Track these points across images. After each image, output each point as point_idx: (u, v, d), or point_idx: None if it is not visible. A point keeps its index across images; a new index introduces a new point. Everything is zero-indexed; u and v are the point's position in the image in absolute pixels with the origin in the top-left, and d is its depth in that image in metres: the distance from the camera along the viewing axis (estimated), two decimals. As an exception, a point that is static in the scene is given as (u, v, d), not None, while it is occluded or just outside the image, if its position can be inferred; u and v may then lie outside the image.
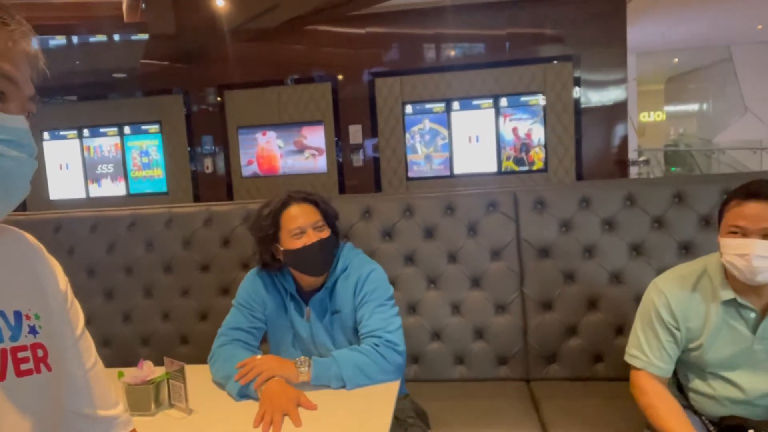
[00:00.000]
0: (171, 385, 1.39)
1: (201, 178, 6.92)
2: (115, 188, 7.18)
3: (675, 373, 1.47)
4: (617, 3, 5.43)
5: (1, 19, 0.61)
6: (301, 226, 1.54)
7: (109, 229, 2.27)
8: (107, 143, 7.18)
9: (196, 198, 6.90)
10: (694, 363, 1.42)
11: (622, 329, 1.94)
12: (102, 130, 7.06)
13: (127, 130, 7.09)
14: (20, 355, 0.65)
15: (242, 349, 1.55)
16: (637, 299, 1.89)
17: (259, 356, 1.48)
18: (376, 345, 1.46)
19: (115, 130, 7.13)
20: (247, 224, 1.83)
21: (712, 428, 1.39)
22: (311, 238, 1.53)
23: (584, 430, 1.65)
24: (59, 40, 6.16)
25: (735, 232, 1.29)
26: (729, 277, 1.36)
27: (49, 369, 0.68)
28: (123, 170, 7.16)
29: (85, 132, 7.05)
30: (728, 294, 1.35)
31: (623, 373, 1.53)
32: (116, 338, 2.21)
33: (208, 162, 6.91)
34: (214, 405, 1.41)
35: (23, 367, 0.65)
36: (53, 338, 0.70)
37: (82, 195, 6.98)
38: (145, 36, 6.02)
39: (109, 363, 2.22)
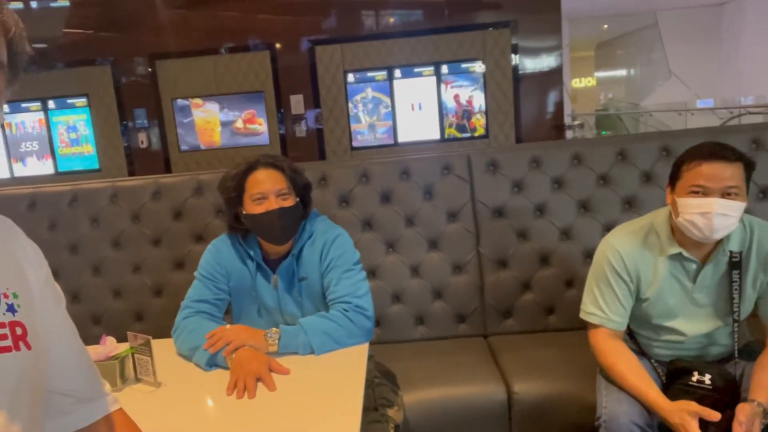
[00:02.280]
0: (137, 359, 1.35)
1: (136, 154, 6.62)
2: (42, 166, 6.77)
3: None
4: (552, -32, 5.53)
5: None
6: (263, 191, 1.51)
7: (48, 206, 2.15)
8: (30, 119, 6.72)
9: (132, 174, 6.61)
10: (642, 314, 1.51)
11: (572, 282, 2.04)
12: (24, 105, 6.61)
13: (51, 104, 6.66)
14: None
15: (208, 321, 1.52)
16: (586, 254, 2.01)
17: (228, 326, 1.46)
18: (345, 311, 1.48)
19: (38, 104, 6.68)
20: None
21: (660, 371, 1.50)
22: (272, 204, 1.51)
23: (543, 378, 1.74)
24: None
25: (696, 192, 1.34)
26: (675, 233, 1.44)
27: (28, 347, 0.66)
28: (49, 147, 6.75)
29: (5, 107, 6.57)
30: (675, 249, 1.43)
31: (574, 323, 1.62)
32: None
33: (142, 136, 6.61)
34: (182, 377, 1.39)
35: (1, 344, 0.63)
36: (33, 317, 0.68)
37: (6, 174, 6.55)
38: (66, 2, 5.63)
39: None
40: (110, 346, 1.34)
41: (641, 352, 1.55)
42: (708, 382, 1.36)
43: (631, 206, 2.05)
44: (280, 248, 1.58)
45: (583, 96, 11.32)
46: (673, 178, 1.42)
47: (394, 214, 2.10)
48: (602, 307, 1.49)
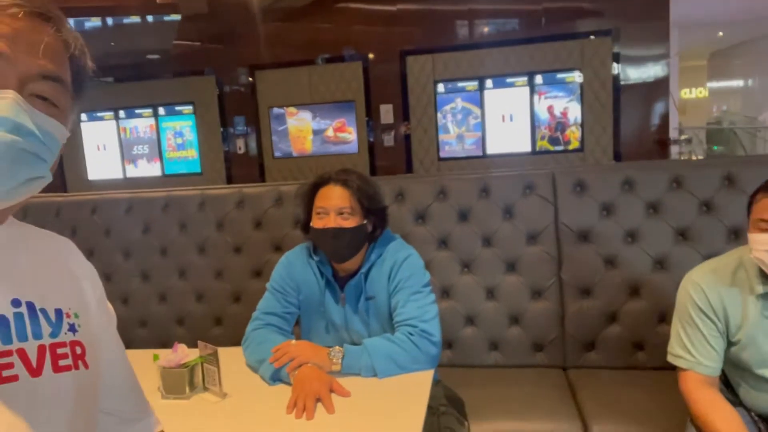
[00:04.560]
0: (205, 368, 1.39)
1: (234, 159, 6.98)
2: (151, 168, 7.31)
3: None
4: (660, -26, 5.19)
5: None
6: (324, 207, 1.52)
7: (144, 211, 2.29)
8: (143, 124, 7.29)
9: (229, 178, 6.97)
10: (734, 359, 1.36)
11: (665, 317, 1.87)
12: (137, 111, 7.17)
13: (161, 111, 7.18)
14: (59, 351, 0.65)
15: (276, 334, 1.54)
16: (683, 286, 1.82)
17: (293, 341, 1.47)
18: (411, 334, 1.44)
19: (150, 111, 7.23)
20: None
21: (762, 426, 1.33)
22: (330, 222, 1.50)
23: (624, 421, 1.60)
24: (94, 23, 6.23)
25: (764, 227, 1.23)
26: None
27: (86, 366, 0.68)
28: (158, 151, 7.27)
29: (121, 113, 7.17)
30: (764, 288, 1.28)
31: (665, 362, 1.47)
32: (152, 318, 2.25)
33: (240, 143, 6.96)
34: (247, 389, 1.41)
35: (61, 363, 0.65)
36: (90, 337, 0.70)
37: (119, 175, 7.13)
38: (177, 17, 6.05)
39: (145, 343, 2.26)
40: (181, 353, 1.38)
41: (739, 403, 1.38)
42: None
43: (738, 237, 1.84)
44: (348, 266, 1.57)
45: (693, 108, 10.54)
46: (748, 214, 1.30)
47: (471, 233, 2.03)
48: (690, 350, 1.34)
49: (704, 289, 1.34)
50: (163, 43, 6.46)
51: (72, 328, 0.68)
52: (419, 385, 1.36)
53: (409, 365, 1.41)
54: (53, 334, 0.65)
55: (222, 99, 6.97)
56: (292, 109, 6.78)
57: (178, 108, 7.07)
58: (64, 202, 2.38)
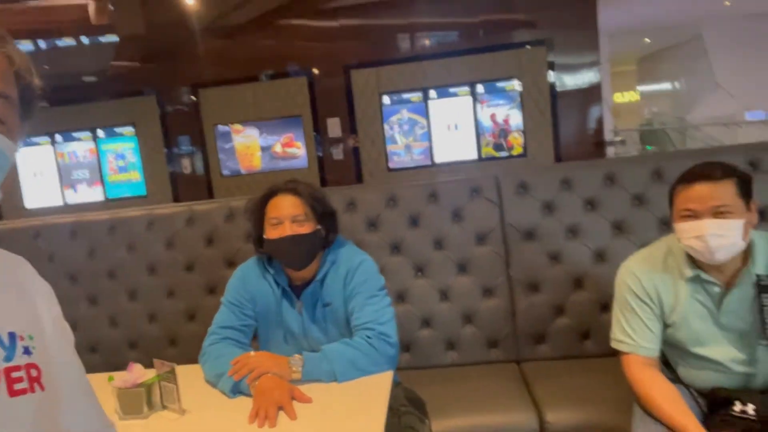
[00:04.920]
0: (162, 386, 1.37)
1: (180, 179, 6.84)
2: (93, 193, 7.06)
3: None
4: (587, -16, 5.47)
5: None
6: (278, 216, 1.53)
7: (89, 234, 2.23)
8: (81, 148, 7.04)
9: (176, 199, 6.81)
10: (671, 340, 1.45)
11: (607, 306, 1.95)
12: (75, 134, 6.94)
13: (101, 133, 6.97)
14: (14, 375, 0.65)
15: (233, 347, 1.54)
16: (622, 276, 1.92)
17: (252, 353, 1.47)
18: (369, 338, 1.46)
19: (88, 134, 7.00)
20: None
21: (701, 400, 1.42)
22: (286, 230, 1.52)
23: (577, 407, 1.68)
24: (26, 45, 6.00)
25: (687, 216, 1.33)
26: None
27: (42, 388, 0.67)
28: (99, 175, 7.04)
29: (58, 137, 6.92)
30: (692, 271, 1.38)
31: (610, 349, 1.55)
32: (103, 343, 2.19)
33: (186, 162, 6.83)
34: (207, 404, 1.41)
35: (17, 386, 0.65)
36: (46, 358, 0.69)
37: (59, 202, 6.86)
38: (114, 38, 5.91)
39: (97, 368, 2.19)
40: (137, 373, 1.36)
41: (679, 380, 1.47)
42: (752, 412, 1.28)
43: (669, 227, 1.96)
44: (304, 274, 1.58)
45: (626, 111, 11.05)
46: (670, 205, 1.40)
47: (422, 237, 2.09)
48: (630, 334, 1.43)
49: (638, 276, 1.44)
50: (100, 64, 6.30)
51: (26, 351, 0.67)
52: (379, 386, 1.39)
53: (369, 368, 1.44)
54: (7, 358, 0.64)
55: (164, 119, 6.83)
56: (237, 126, 6.71)
57: (118, 130, 6.87)
58: (3, 229, 2.29)
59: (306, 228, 1.53)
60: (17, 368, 0.65)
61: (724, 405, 1.34)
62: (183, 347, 2.15)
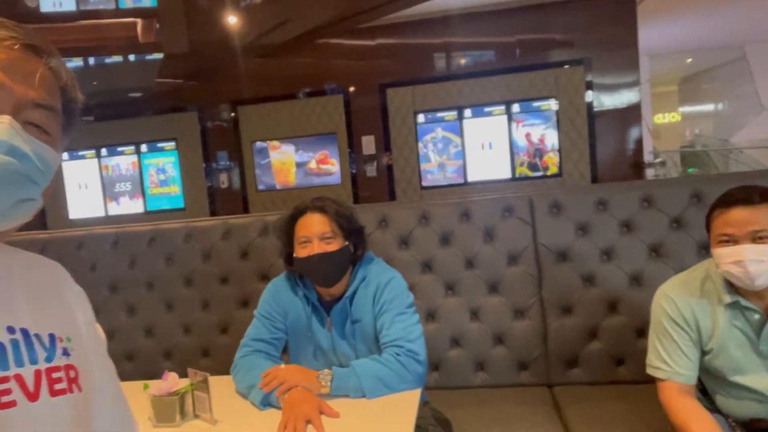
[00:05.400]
0: (195, 396, 1.40)
1: (217, 194, 7.00)
2: (133, 206, 7.29)
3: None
4: (627, 5, 5.42)
5: None
6: (306, 235, 1.55)
7: (129, 245, 2.31)
8: (125, 162, 7.29)
9: (213, 213, 6.98)
10: (709, 368, 1.41)
11: (643, 332, 1.92)
12: (119, 149, 7.20)
13: (143, 148, 7.21)
14: (54, 375, 0.67)
15: (264, 360, 1.56)
16: (658, 301, 1.88)
17: (282, 366, 1.49)
18: (398, 354, 1.47)
19: (132, 148, 7.24)
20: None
21: (739, 430, 1.37)
22: (314, 249, 1.54)
23: (609, 434, 1.63)
24: (76, 62, 6.29)
25: (725, 241, 1.30)
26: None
27: (80, 389, 0.70)
28: (140, 188, 7.27)
29: (103, 151, 7.19)
30: (731, 297, 1.35)
31: (646, 375, 1.51)
32: (139, 352, 2.24)
33: (223, 177, 7.00)
34: (237, 415, 1.43)
35: (57, 387, 0.67)
36: (82, 360, 0.72)
37: (101, 213, 7.10)
38: (159, 55, 6.14)
39: (133, 377, 2.25)
40: (171, 381, 1.40)
41: (716, 410, 1.42)
42: (792, 445, 1.23)
43: (707, 251, 1.91)
44: (333, 290, 1.60)
45: (667, 132, 10.82)
46: (708, 230, 1.37)
47: (453, 256, 2.09)
48: (666, 361, 1.39)
49: (675, 301, 1.40)
50: (145, 81, 6.54)
51: (65, 352, 0.69)
52: (406, 404, 1.39)
53: (397, 385, 1.44)
54: (48, 359, 0.67)
55: (205, 134, 7.03)
56: (274, 143, 6.86)
57: (160, 144, 7.10)
58: (49, 238, 2.39)
59: (334, 245, 1.55)
60: (57, 369, 0.67)
61: (763, 437, 1.29)
62: (216, 358, 2.19)
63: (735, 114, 8.72)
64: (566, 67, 5.86)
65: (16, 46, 0.64)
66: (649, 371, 1.45)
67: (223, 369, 1.68)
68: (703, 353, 1.40)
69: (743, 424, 1.38)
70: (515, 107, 6.39)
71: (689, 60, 8.68)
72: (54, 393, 0.66)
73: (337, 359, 1.61)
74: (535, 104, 6.28)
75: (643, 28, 5.49)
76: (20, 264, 0.73)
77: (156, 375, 1.53)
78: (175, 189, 7.17)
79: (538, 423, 1.73)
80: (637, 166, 5.74)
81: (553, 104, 6.12)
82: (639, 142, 5.75)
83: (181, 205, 7.16)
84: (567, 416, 1.76)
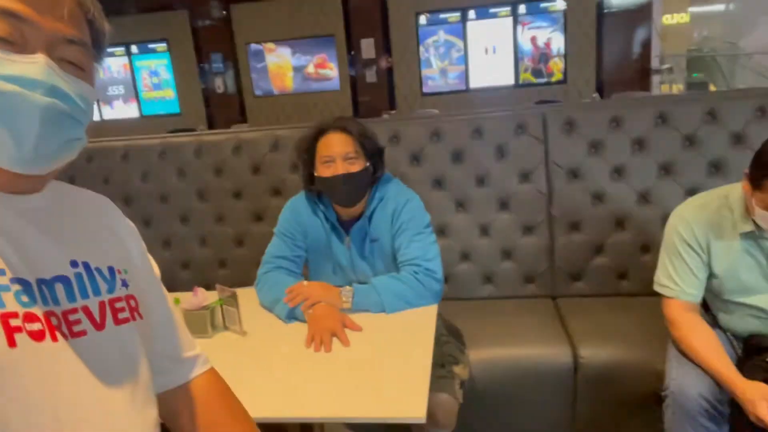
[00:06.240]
0: (225, 310, 1.48)
1: (213, 98, 6.84)
2: (128, 110, 7.14)
3: None
4: None
5: None
6: (330, 155, 1.56)
7: (140, 158, 2.30)
8: (115, 63, 7.05)
9: (209, 119, 6.86)
10: (715, 290, 1.48)
11: (648, 248, 1.99)
12: (109, 50, 6.94)
13: (134, 49, 6.94)
14: (117, 305, 0.71)
15: (287, 276, 1.62)
16: (665, 219, 1.93)
17: (305, 282, 1.56)
18: (416, 273, 1.53)
19: (122, 50, 6.97)
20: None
21: (737, 345, 1.47)
22: (338, 169, 1.55)
23: (611, 343, 1.74)
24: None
25: None
26: (749, 210, 1.38)
27: (141, 317, 0.74)
28: (134, 91, 7.08)
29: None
30: (748, 226, 1.37)
31: (647, 289, 1.59)
32: (159, 264, 2.31)
33: (218, 81, 6.80)
34: (265, 327, 1.51)
35: (120, 316, 0.71)
36: (140, 289, 0.76)
37: (96, 117, 6.99)
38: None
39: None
40: (201, 296, 1.46)
41: (717, 324, 1.52)
42: (785, 360, 1.33)
43: (719, 170, 1.95)
44: (353, 210, 1.63)
45: (674, 34, 10.43)
46: (754, 181, 1.30)
47: (464, 173, 2.10)
48: (675, 280, 1.46)
49: (691, 224, 1.44)
50: (132, -24, 6.18)
51: (124, 283, 0.73)
52: (425, 318, 1.47)
53: (415, 301, 1.51)
54: (110, 290, 0.71)
55: (196, 35, 6.75)
56: (270, 45, 6.60)
57: (151, 46, 6.83)
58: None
59: (357, 166, 1.56)
60: (119, 299, 0.72)
61: (759, 351, 1.39)
62: (232, 270, 2.26)
63: (745, 16, 8.38)
64: (577, -36, 5.57)
65: None
66: (657, 288, 1.52)
67: (240, 281, 1.75)
68: (712, 276, 1.46)
69: (741, 340, 1.48)
70: (521, 8, 6.14)
71: (704, -44, 8.20)
72: (118, 322, 0.71)
73: (355, 276, 1.67)
74: (543, 5, 6.03)
75: None
76: (73, 200, 0.75)
77: (175, 287, 1.59)
78: (170, 93, 7.00)
79: (544, 332, 1.84)
80: (643, 72, 5.63)
81: (560, 4, 5.87)
82: (647, 46, 5.61)
83: (177, 110, 7.02)
84: (570, 326, 1.87)
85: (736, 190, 1.42)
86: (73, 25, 0.64)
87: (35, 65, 0.59)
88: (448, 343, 1.65)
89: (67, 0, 0.63)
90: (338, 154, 1.55)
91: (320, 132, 1.60)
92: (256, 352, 1.39)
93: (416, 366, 1.22)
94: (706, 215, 1.44)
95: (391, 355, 1.31)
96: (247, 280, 1.75)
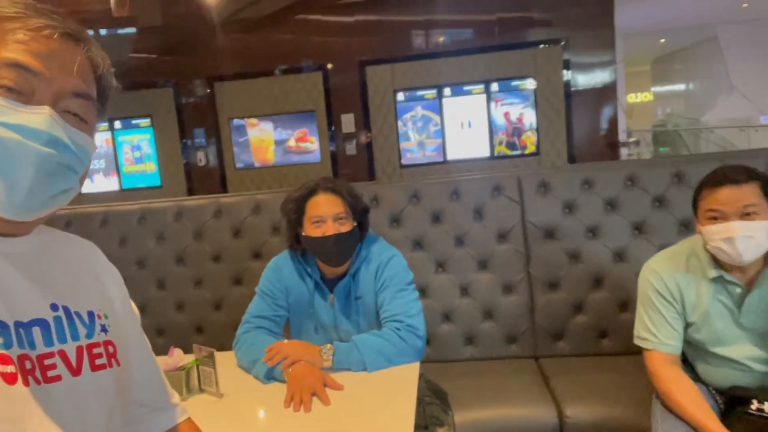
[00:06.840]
0: (201, 370, 1.43)
1: (194, 171, 6.90)
2: (108, 183, 7.14)
3: None
4: (605, -16, 5.48)
5: (24, 14, 0.63)
6: (321, 215, 1.57)
7: (119, 223, 2.29)
8: (98, 139, 7.10)
9: (190, 191, 6.89)
10: (692, 340, 1.49)
11: (626, 305, 2.01)
12: (92, 125, 7.01)
13: (117, 124, 7.04)
14: (95, 351, 0.70)
15: (267, 335, 1.59)
16: (640, 276, 1.97)
17: (285, 341, 1.53)
18: (398, 329, 1.52)
19: (105, 125, 7.07)
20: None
21: (719, 398, 1.46)
22: (329, 229, 1.56)
23: (596, 403, 1.72)
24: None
25: (714, 217, 1.36)
26: (715, 256, 1.43)
27: (118, 364, 0.73)
28: (115, 165, 7.12)
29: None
30: (716, 272, 1.42)
31: (628, 347, 1.60)
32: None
33: (200, 155, 6.90)
34: (242, 389, 1.46)
35: (98, 362, 0.70)
36: (119, 336, 0.75)
37: (75, 191, 6.94)
38: (133, 30, 5.98)
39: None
40: (177, 357, 1.42)
41: (699, 379, 1.52)
42: (768, 410, 1.33)
43: (688, 228, 2.01)
44: (338, 269, 1.64)
45: (639, 111, 11.03)
46: (695, 208, 1.44)
47: (444, 233, 2.14)
48: (653, 332, 1.47)
49: (662, 276, 1.48)
50: (118, 55, 6.37)
51: (104, 329, 0.73)
52: (407, 376, 1.44)
53: (397, 358, 1.49)
54: (89, 335, 0.70)
55: (180, 111, 6.90)
56: (253, 120, 6.78)
57: (135, 121, 6.95)
58: (36, 217, 2.35)
59: (347, 226, 1.58)
60: (97, 345, 0.71)
61: (741, 403, 1.38)
62: (209, 335, 2.21)
63: (705, 94, 8.93)
64: (544, 46, 5.91)
65: (54, 35, 0.64)
66: (637, 341, 1.53)
67: (217, 345, 1.70)
68: (687, 325, 1.48)
69: (722, 392, 1.47)
70: (494, 86, 6.43)
71: (662, 40, 8.83)
72: (95, 368, 0.69)
73: (337, 334, 1.65)
74: (514, 83, 6.33)
75: (619, 7, 5.57)
76: (58, 243, 0.75)
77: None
78: (151, 166, 7.05)
79: (528, 393, 1.81)
80: (612, 145, 5.87)
81: (531, 83, 6.17)
82: (613, 122, 5.88)
83: (158, 182, 7.05)
84: (554, 386, 1.85)
85: (700, 238, 1.48)
86: (81, 79, 0.67)
87: (39, 116, 0.62)
88: (432, 404, 1.61)
89: (79, 57, 0.66)
90: (328, 215, 1.57)
91: (310, 192, 1.62)
92: (233, 415, 1.34)
93: (398, 427, 1.18)
94: (675, 265, 1.48)
95: (374, 415, 1.28)
96: (225, 346, 1.71)
